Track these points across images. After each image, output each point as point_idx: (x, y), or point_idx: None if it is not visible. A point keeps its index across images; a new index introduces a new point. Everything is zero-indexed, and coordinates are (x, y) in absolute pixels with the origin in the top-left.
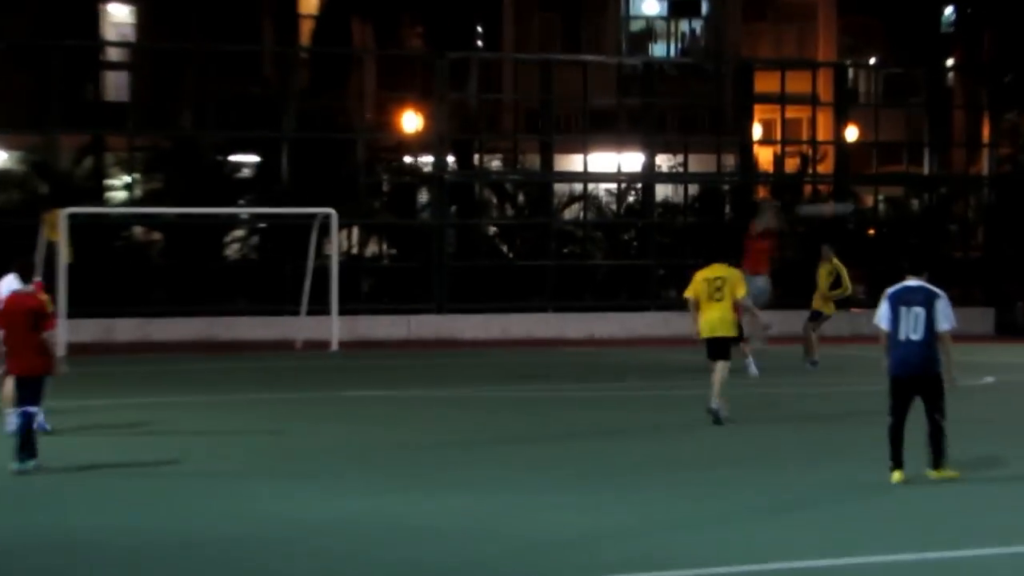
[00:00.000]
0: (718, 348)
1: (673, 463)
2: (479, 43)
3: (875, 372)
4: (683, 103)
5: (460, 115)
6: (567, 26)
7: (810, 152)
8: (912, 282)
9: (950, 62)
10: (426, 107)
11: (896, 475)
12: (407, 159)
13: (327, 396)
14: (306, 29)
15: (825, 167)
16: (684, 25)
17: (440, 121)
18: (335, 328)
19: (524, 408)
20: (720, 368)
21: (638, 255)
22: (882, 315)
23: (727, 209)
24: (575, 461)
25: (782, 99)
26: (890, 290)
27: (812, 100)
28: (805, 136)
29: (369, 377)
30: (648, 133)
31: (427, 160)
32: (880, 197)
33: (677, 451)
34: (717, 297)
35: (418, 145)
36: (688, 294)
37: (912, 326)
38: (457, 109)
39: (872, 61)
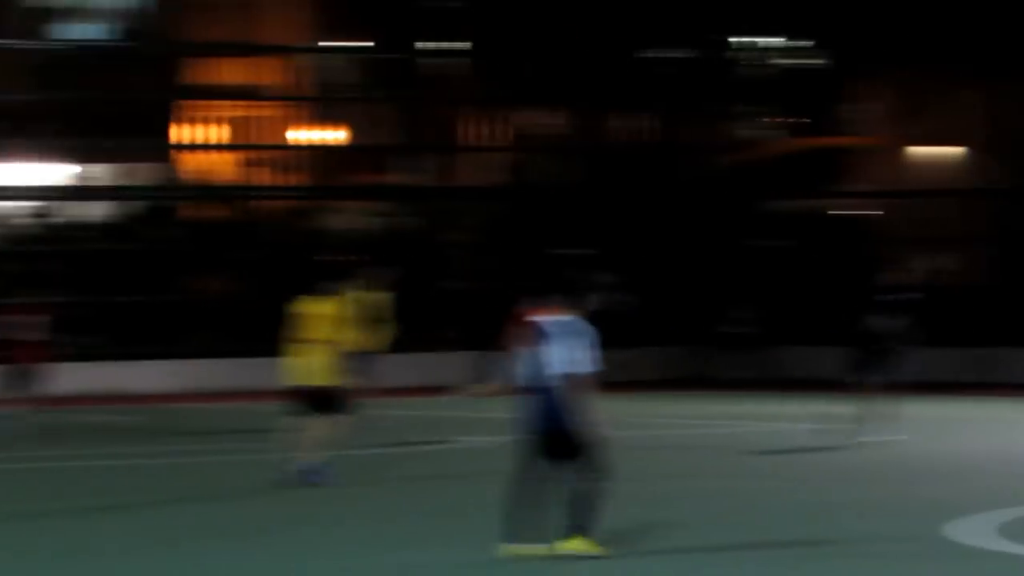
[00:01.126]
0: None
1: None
2: None
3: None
4: (99, 97)
5: None
6: None
7: (270, 159)
8: (551, 317)
9: (448, 45)
10: None
11: (515, 548)
12: None
13: None
14: None
15: (291, 177)
16: None
17: None
18: None
19: None
20: (325, 424)
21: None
22: (518, 356)
23: (158, 231)
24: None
25: (228, 92)
26: (526, 326)
27: (269, 93)
28: (263, 139)
29: None
30: (49, 136)
31: None
32: (361, 214)
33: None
34: (322, 337)
35: None
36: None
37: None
38: None
39: (349, 44)
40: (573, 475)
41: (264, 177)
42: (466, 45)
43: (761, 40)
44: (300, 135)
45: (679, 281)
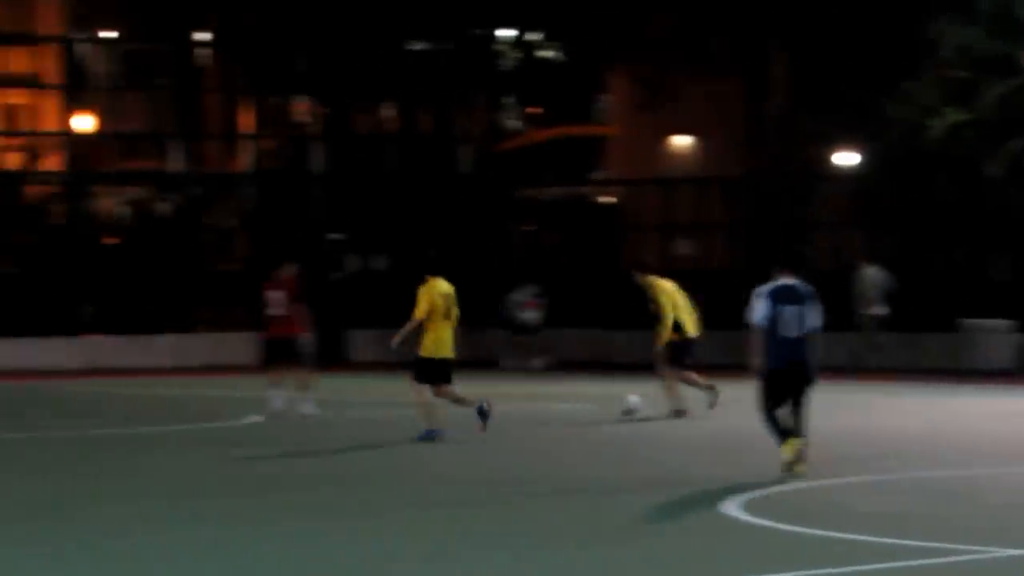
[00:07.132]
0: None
1: None
2: None
3: None
4: None
5: None
6: None
7: (35, 145)
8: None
9: (203, 36)
10: None
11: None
12: None
13: None
14: None
15: (54, 163)
16: None
17: None
18: None
19: None
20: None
21: None
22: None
23: None
24: None
25: None
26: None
27: (35, 82)
28: (27, 126)
29: None
30: None
31: None
32: (124, 199)
33: None
34: (453, 315)
35: None
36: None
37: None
38: None
39: (110, 35)
40: None
41: (27, 163)
42: (227, 34)
43: (520, 34)
44: (59, 122)
45: (454, 265)
